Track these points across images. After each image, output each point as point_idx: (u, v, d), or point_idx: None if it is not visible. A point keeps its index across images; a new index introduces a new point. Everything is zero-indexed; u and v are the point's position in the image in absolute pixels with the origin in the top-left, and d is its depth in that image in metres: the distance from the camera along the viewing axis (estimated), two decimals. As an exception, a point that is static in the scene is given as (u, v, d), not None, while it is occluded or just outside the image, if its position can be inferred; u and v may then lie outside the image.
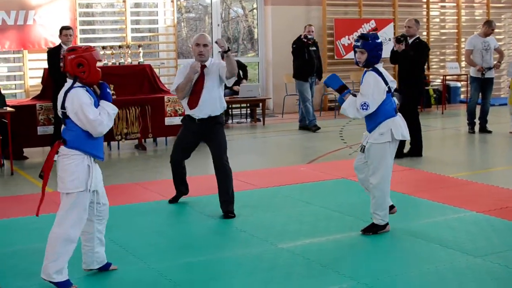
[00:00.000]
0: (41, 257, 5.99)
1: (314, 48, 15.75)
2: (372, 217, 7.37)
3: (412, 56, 11.69)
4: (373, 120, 7.20)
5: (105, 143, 13.43)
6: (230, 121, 17.49)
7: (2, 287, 6.00)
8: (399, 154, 11.38)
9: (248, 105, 17.78)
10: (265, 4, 18.96)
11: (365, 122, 7.35)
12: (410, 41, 11.87)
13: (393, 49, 11.86)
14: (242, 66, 17.05)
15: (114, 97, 13.05)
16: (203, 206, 8.75)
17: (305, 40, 15.53)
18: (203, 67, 8.31)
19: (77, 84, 5.85)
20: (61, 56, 5.93)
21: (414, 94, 11.91)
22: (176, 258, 6.76)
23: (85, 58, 5.82)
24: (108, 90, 6.04)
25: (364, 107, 7.04)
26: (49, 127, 12.73)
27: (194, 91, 8.30)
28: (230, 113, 17.77)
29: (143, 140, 13.80)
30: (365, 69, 7.30)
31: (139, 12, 17.68)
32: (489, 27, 14.85)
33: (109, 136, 12.92)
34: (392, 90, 7.28)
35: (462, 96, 21.08)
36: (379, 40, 7.26)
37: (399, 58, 11.81)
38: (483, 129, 14.90)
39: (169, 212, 8.62)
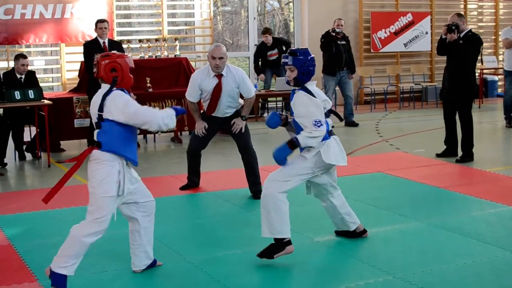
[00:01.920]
0: (77, 249, 6.03)
1: (344, 42, 15.47)
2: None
3: (465, 48, 10.78)
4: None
5: (141, 136, 13.50)
6: (265, 114, 17.47)
7: (40, 279, 6.06)
8: (451, 154, 11.30)
9: (283, 98, 17.74)
10: (301, -3, 18.94)
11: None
12: (461, 34, 10.83)
13: (441, 37, 11.03)
14: (286, 43, 17.05)
15: (150, 90, 13.17)
16: (238, 199, 8.78)
17: (334, 34, 15.36)
18: (220, 76, 8.62)
19: (114, 89, 5.81)
20: (95, 62, 5.91)
21: (470, 91, 11.01)
22: (212, 251, 6.78)
23: (118, 64, 5.83)
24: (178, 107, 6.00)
25: (318, 124, 6.28)
26: (86, 119, 12.81)
27: (212, 99, 8.71)
28: (266, 106, 17.77)
29: (179, 133, 13.86)
30: (294, 88, 6.58)
31: (175, 5, 17.72)
32: None
33: (145, 129, 12.94)
34: (326, 110, 6.51)
35: (499, 90, 20.89)
36: (310, 56, 6.56)
37: (450, 49, 10.92)
38: (520, 124, 14.75)
39: (205, 205, 8.65)
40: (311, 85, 6.53)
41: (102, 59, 5.86)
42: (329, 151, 6.44)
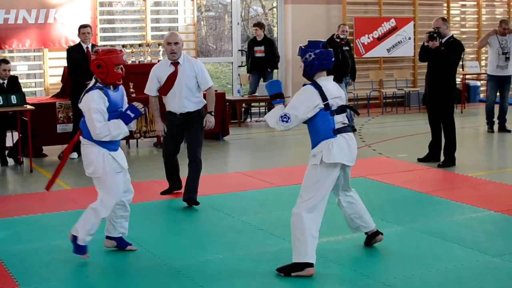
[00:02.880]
0: (60, 255, 6.05)
1: (347, 48, 15.32)
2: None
3: (446, 55, 10.87)
4: (313, 140, 6.40)
5: (124, 141, 13.48)
6: (249, 120, 17.50)
7: (21, 285, 6.04)
8: (433, 158, 11.33)
9: (267, 103, 17.76)
10: (285, 3, 18.93)
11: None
12: (443, 40, 10.94)
13: (423, 44, 11.10)
14: (272, 44, 17.18)
15: (133, 95, 13.16)
16: (221, 204, 8.77)
17: (338, 40, 15.17)
18: (177, 64, 8.58)
19: (98, 85, 6.51)
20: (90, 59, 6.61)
21: (451, 96, 11.09)
22: (194, 256, 6.78)
23: (103, 61, 6.47)
24: (128, 112, 6.61)
25: (284, 119, 6.20)
26: (69, 125, 12.77)
27: (166, 83, 8.62)
28: (249, 111, 17.79)
29: (161, 138, 13.85)
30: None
31: (159, 10, 17.73)
32: (499, 26, 14.82)
33: (128, 134, 12.95)
34: (334, 108, 6.32)
35: (481, 95, 20.97)
36: (319, 50, 6.38)
37: (431, 56, 10.96)
38: (502, 129, 14.82)
39: (187, 210, 8.64)
40: (325, 80, 6.40)
41: (93, 55, 6.56)
42: (332, 150, 6.21)
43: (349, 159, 6.34)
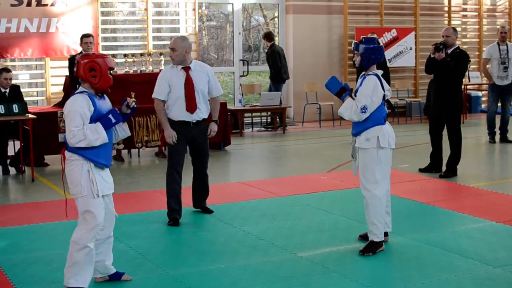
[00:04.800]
0: (61, 264, 6.03)
1: None
2: (368, 233, 7.19)
3: (453, 67, 10.82)
4: (360, 124, 7.07)
5: (125, 151, 13.49)
6: (250, 129, 17.52)
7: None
8: (434, 169, 11.33)
9: (268, 113, 17.79)
10: (287, 13, 18.98)
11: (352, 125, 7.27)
12: (449, 51, 10.88)
13: (429, 56, 11.01)
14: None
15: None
16: (222, 214, 8.76)
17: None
18: (187, 69, 8.35)
19: (82, 89, 5.91)
20: (75, 62, 5.99)
21: (457, 107, 11.05)
22: (195, 265, 6.78)
23: (97, 63, 5.90)
24: (109, 116, 5.92)
25: (364, 110, 6.92)
26: (71, 134, 12.77)
27: (187, 91, 8.30)
28: (251, 121, 17.81)
29: (163, 148, 13.85)
30: (364, 73, 7.17)
31: (160, 20, 17.77)
32: (497, 32, 14.87)
33: (130, 144, 13.00)
34: (387, 98, 7.19)
35: (483, 106, 21.00)
36: (374, 45, 7.10)
37: (438, 67, 10.91)
38: (504, 139, 14.82)
39: (189, 220, 8.64)
40: (379, 72, 7.16)
41: (82, 59, 5.94)
42: (385, 136, 7.08)
43: (394, 143, 7.27)
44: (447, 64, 10.78)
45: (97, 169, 5.90)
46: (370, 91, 6.94)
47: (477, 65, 21.24)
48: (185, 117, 8.33)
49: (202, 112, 8.39)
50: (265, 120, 18.22)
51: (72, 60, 12.68)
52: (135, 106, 6.11)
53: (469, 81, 18.55)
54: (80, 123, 5.75)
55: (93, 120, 5.83)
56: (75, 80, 12.10)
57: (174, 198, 8.46)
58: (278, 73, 17.36)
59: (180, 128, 8.36)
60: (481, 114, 20.27)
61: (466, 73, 12.66)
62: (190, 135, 8.42)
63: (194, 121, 8.36)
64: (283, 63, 17.33)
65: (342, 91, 7.12)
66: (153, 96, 8.43)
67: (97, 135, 5.78)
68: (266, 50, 17.61)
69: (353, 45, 7.26)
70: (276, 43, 18.07)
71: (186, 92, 8.27)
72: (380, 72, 7.17)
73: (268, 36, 17.65)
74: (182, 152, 8.51)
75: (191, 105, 8.30)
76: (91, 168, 5.84)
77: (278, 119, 17.48)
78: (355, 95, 7.04)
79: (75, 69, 5.96)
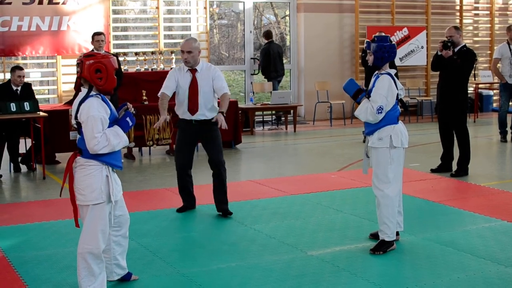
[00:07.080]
0: (72, 261, 6.04)
1: None
2: (379, 232, 7.19)
3: (460, 65, 10.81)
4: (375, 124, 7.07)
5: (136, 149, 13.51)
6: (261, 128, 17.51)
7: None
8: (445, 170, 11.31)
9: (278, 111, 17.80)
10: (298, 11, 18.97)
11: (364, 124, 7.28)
12: (456, 49, 10.83)
13: (436, 53, 11.01)
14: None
15: (146, 102, 13.19)
16: (232, 212, 8.74)
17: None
18: (194, 71, 8.48)
19: (92, 92, 5.67)
20: (78, 61, 5.75)
21: (462, 106, 11.06)
22: (206, 264, 6.78)
23: (103, 64, 5.64)
24: (127, 119, 5.78)
25: (380, 111, 6.89)
26: (82, 132, 12.80)
27: (191, 93, 8.49)
28: (262, 119, 17.82)
29: (174, 146, 13.86)
30: (377, 72, 7.12)
31: (172, 18, 17.77)
32: (508, 31, 14.80)
33: (141, 142, 13.02)
34: (400, 97, 7.17)
35: (494, 105, 20.93)
36: (387, 43, 7.05)
37: (446, 65, 10.87)
38: (515, 138, 14.80)
39: (200, 218, 8.65)
40: (391, 71, 7.13)
41: (86, 59, 5.67)
42: (399, 135, 7.07)
43: (407, 142, 7.24)
44: (453, 62, 10.76)
45: (113, 173, 5.78)
46: (385, 91, 6.92)
47: (488, 63, 21.18)
48: (187, 116, 8.58)
49: (204, 114, 8.53)
50: (276, 119, 18.20)
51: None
52: (133, 112, 5.91)
53: (475, 79, 18.49)
54: (101, 128, 5.55)
55: (110, 122, 5.67)
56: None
57: (185, 192, 8.94)
58: (264, 70, 17.70)
59: (184, 125, 8.66)
60: (493, 113, 20.21)
61: (473, 71, 12.61)
62: (194, 132, 8.63)
63: (195, 120, 8.55)
64: (274, 62, 17.53)
65: (358, 93, 7.13)
66: (161, 90, 8.60)
67: (119, 139, 5.64)
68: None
69: (365, 44, 7.26)
70: (275, 42, 18.22)
71: (190, 94, 8.48)
72: (393, 71, 7.14)
73: (266, 35, 17.96)
74: (187, 147, 8.75)
75: (192, 107, 8.51)
76: (109, 172, 5.70)
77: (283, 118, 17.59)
78: (369, 95, 7.02)
79: (78, 69, 5.72)
